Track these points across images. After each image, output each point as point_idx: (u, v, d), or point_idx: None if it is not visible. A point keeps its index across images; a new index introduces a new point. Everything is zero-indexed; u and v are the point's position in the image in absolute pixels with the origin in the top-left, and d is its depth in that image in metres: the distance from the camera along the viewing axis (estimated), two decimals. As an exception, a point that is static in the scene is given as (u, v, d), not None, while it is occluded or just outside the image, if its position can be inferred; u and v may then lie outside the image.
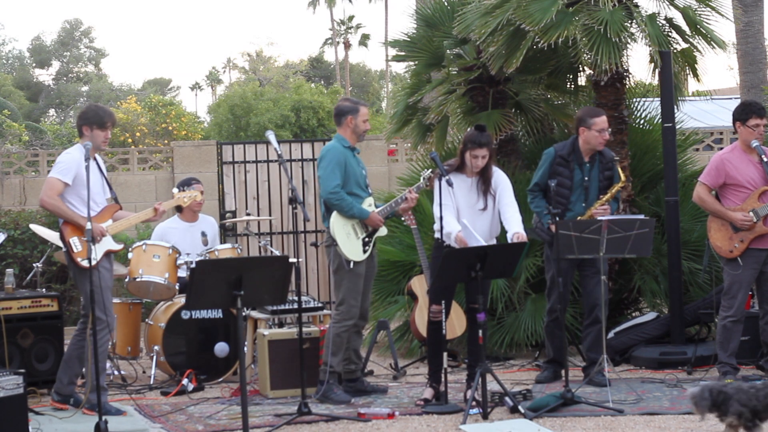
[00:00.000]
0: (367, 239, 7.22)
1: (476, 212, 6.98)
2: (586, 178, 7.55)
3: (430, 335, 7.03)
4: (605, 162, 7.60)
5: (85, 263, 6.67)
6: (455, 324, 8.10)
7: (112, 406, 6.90)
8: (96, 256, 6.67)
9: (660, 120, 8.89)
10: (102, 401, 6.75)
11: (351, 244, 7.16)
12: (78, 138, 7.10)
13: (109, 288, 6.92)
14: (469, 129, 7.13)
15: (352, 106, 7.35)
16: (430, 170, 7.19)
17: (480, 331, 6.55)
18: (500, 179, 7.05)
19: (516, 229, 6.85)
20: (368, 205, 7.28)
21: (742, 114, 7.37)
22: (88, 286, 6.30)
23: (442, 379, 6.83)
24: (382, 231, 7.38)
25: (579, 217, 7.44)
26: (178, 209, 8.91)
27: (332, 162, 7.14)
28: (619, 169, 7.62)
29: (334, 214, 7.12)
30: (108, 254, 6.91)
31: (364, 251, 7.20)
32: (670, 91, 8.48)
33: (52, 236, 8.23)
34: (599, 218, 7.18)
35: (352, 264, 7.14)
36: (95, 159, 6.95)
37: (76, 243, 6.77)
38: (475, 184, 7.01)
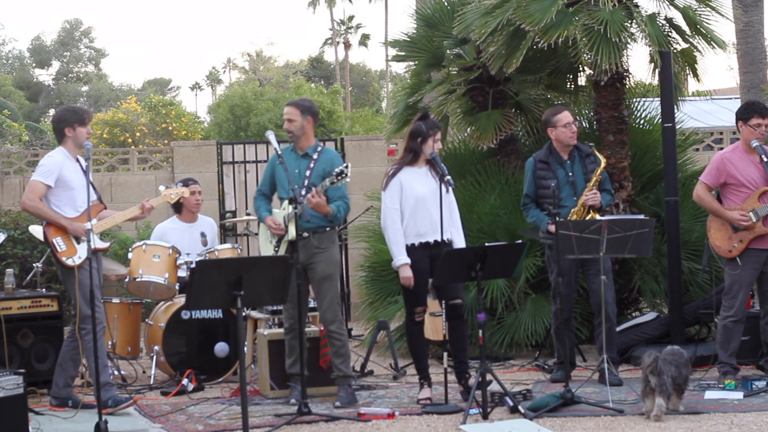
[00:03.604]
0: (275, 244, 7.18)
1: (439, 198, 6.93)
2: (570, 174, 7.63)
3: (415, 336, 7.07)
4: (585, 155, 7.70)
5: (70, 262, 6.82)
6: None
7: (121, 397, 6.95)
8: (82, 255, 6.83)
9: (660, 120, 8.89)
10: (112, 395, 6.82)
11: (268, 250, 7.23)
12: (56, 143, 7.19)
13: (97, 286, 6.94)
14: (415, 122, 7.16)
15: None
16: (344, 165, 6.83)
17: (480, 331, 6.55)
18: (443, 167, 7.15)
19: (462, 245, 7.02)
20: (283, 208, 7.17)
21: (744, 113, 7.37)
22: (75, 284, 6.64)
23: (440, 379, 6.83)
24: (290, 234, 6.98)
25: (572, 210, 7.51)
26: (177, 210, 8.91)
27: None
28: (597, 153, 7.71)
29: None
30: (95, 252, 6.94)
31: None
32: (670, 91, 8.48)
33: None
34: (599, 218, 7.20)
35: None
36: (78, 160, 6.99)
37: (59, 243, 6.87)
38: (429, 172, 7.03)
